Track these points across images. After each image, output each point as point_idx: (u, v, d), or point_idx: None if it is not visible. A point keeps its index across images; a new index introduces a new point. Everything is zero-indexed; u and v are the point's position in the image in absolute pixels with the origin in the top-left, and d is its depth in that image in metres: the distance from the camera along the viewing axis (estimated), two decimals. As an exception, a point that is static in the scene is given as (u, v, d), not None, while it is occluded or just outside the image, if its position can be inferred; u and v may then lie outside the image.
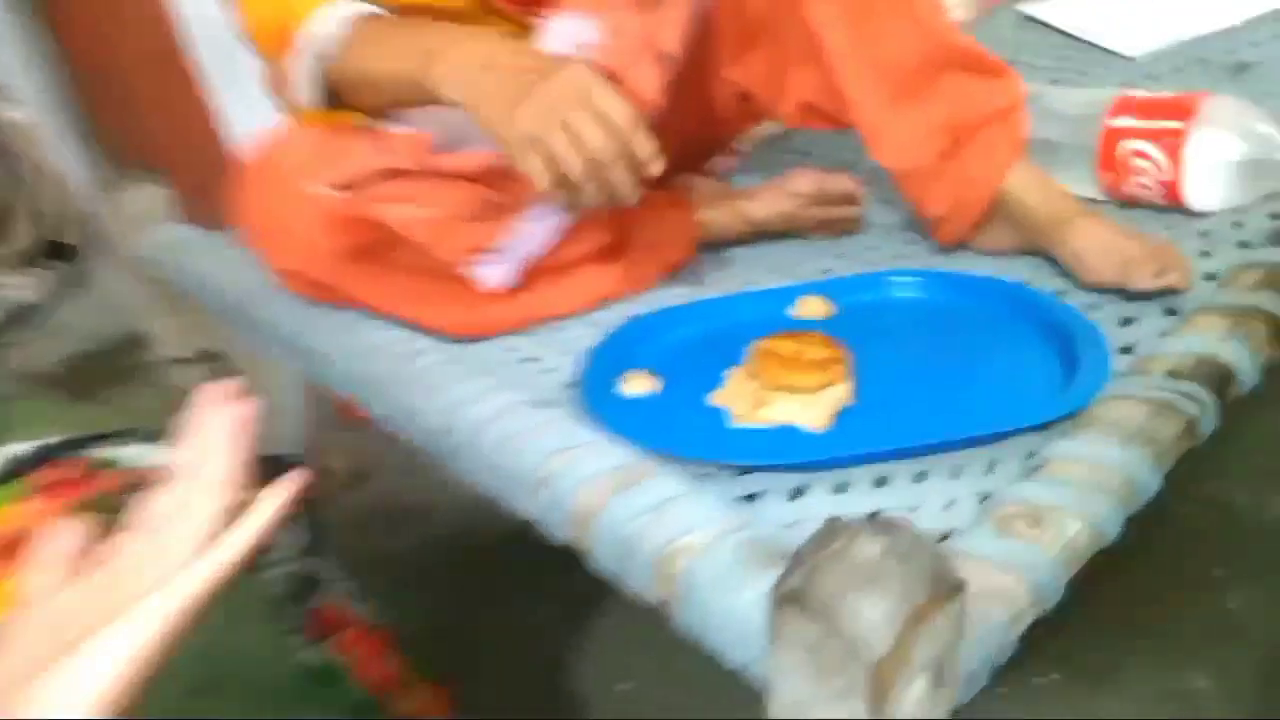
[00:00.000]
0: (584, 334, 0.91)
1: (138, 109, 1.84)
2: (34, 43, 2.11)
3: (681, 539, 0.64)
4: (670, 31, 0.92)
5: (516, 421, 0.77)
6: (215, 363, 1.17)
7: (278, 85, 0.91)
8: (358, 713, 0.80)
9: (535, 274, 0.93)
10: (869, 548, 0.53)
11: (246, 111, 1.34)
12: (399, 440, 0.86)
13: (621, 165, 0.78)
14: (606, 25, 0.89)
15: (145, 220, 1.17)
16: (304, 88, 0.87)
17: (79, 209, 2.18)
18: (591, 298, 0.97)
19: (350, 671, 0.82)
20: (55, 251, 1.76)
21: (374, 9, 0.87)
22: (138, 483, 0.60)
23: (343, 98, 0.88)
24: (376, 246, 0.88)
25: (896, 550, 0.53)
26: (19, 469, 0.70)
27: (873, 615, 0.51)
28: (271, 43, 0.89)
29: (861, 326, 0.90)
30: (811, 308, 0.94)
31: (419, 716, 0.87)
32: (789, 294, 0.95)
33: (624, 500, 0.67)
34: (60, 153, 2.20)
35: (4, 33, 2.12)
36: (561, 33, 0.89)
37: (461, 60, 0.80)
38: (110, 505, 0.59)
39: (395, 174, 0.88)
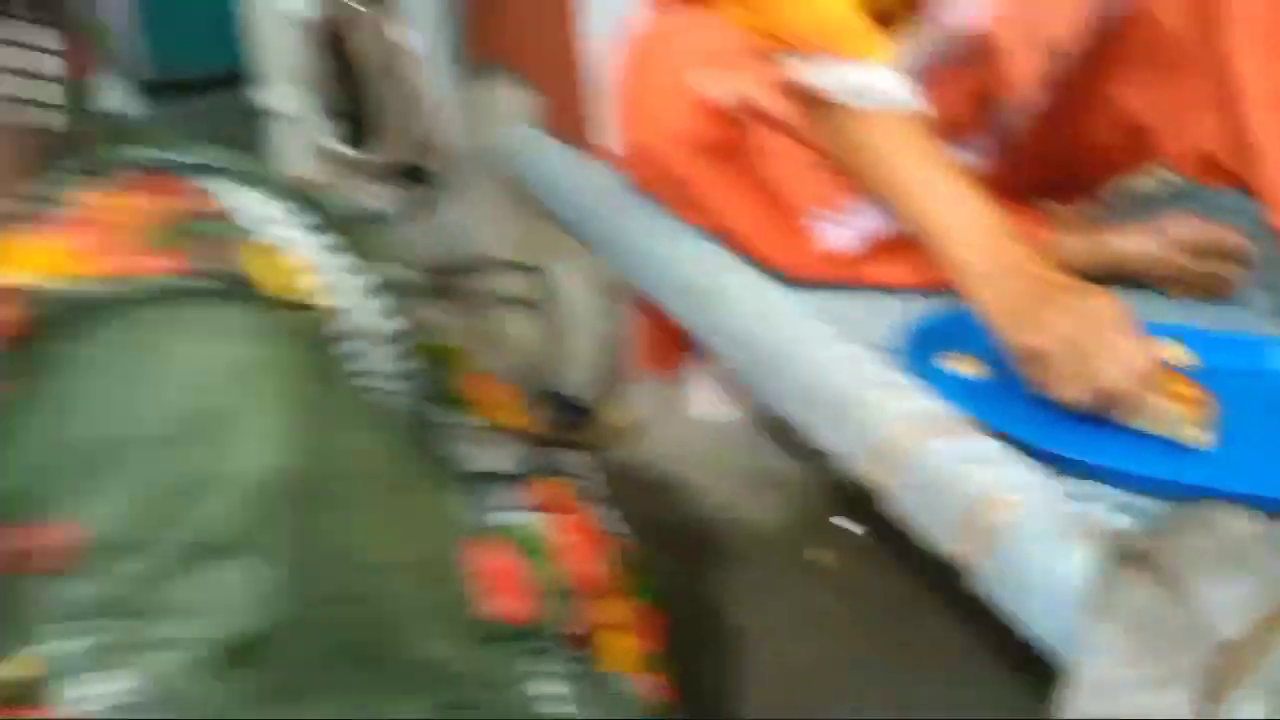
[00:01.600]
0: (909, 309, 0.87)
1: (505, 20, 1.96)
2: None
3: (1000, 494, 0.59)
4: (1065, 22, 0.87)
5: (835, 353, 0.74)
6: (532, 273, 1.21)
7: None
8: (551, 597, 0.77)
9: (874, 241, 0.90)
10: (1240, 527, 0.47)
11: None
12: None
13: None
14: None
15: (503, 120, 1.22)
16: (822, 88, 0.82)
17: (443, 136, 2.34)
18: (923, 279, 0.92)
19: (555, 552, 0.79)
20: (413, 175, 1.89)
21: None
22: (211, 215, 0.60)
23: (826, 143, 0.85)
24: (735, 150, 0.88)
25: (1273, 539, 0.46)
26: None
27: (1227, 596, 0.45)
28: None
29: (1228, 390, 0.76)
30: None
31: (615, 624, 0.83)
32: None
33: (941, 444, 0.63)
34: (433, 76, 2.38)
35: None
36: (960, 4, 0.86)
37: (991, 256, 0.75)
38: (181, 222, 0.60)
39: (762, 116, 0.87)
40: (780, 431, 1.53)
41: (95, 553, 0.56)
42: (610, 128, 1.42)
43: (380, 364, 0.67)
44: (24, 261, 0.58)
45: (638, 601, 0.84)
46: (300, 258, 0.63)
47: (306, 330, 0.62)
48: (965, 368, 0.78)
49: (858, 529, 1.33)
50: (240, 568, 0.57)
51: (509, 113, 1.23)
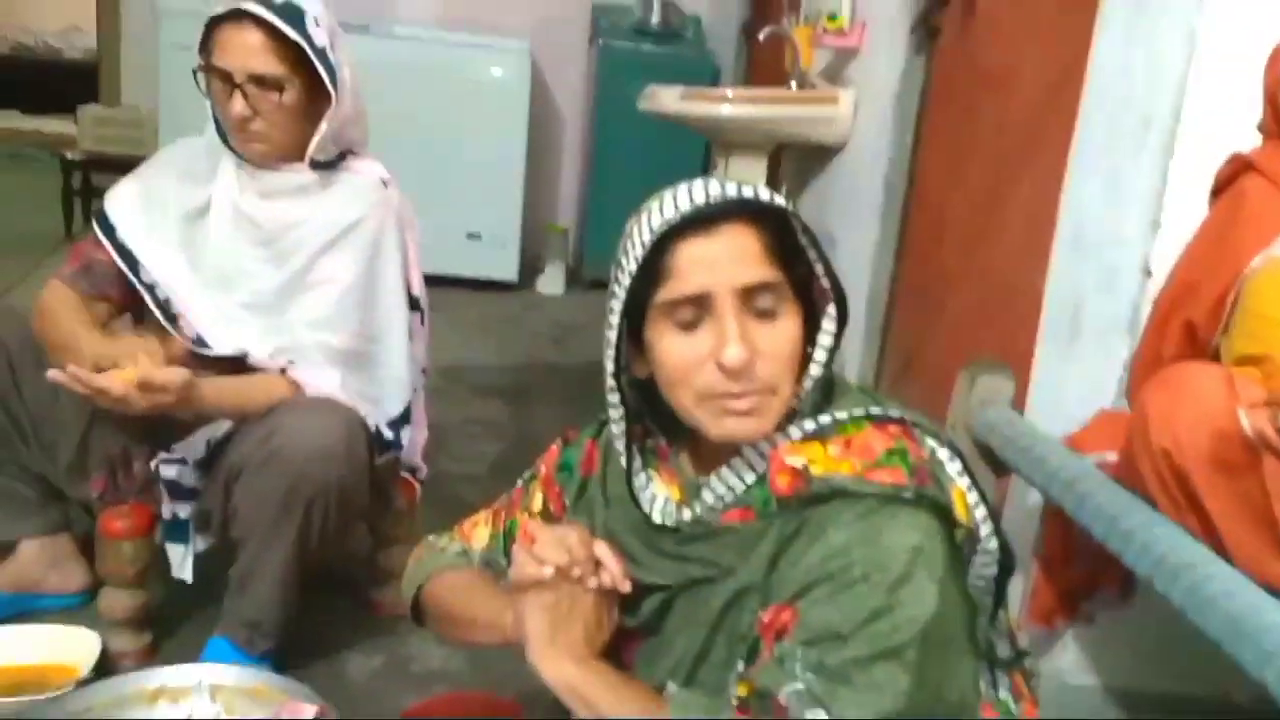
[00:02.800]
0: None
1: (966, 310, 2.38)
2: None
3: None
4: None
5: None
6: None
7: None
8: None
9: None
10: None
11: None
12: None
13: None
14: None
15: (989, 400, 1.59)
16: None
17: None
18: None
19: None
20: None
21: None
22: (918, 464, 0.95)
23: None
24: (1242, 470, 1.17)
25: None
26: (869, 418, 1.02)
27: None
28: None
29: None
30: None
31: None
32: None
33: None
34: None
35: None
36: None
37: None
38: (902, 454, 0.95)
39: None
40: (1136, 702, 1.75)
41: (807, 633, 0.92)
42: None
43: (978, 568, 1.02)
44: (806, 453, 0.98)
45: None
46: (967, 492, 1.00)
47: (957, 537, 0.97)
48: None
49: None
50: (893, 670, 0.91)
51: (997, 396, 1.60)
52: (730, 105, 3.04)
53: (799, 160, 3.37)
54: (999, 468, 1.62)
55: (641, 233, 0.96)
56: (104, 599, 1.68)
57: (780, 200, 0.98)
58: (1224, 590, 1.07)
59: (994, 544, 1.02)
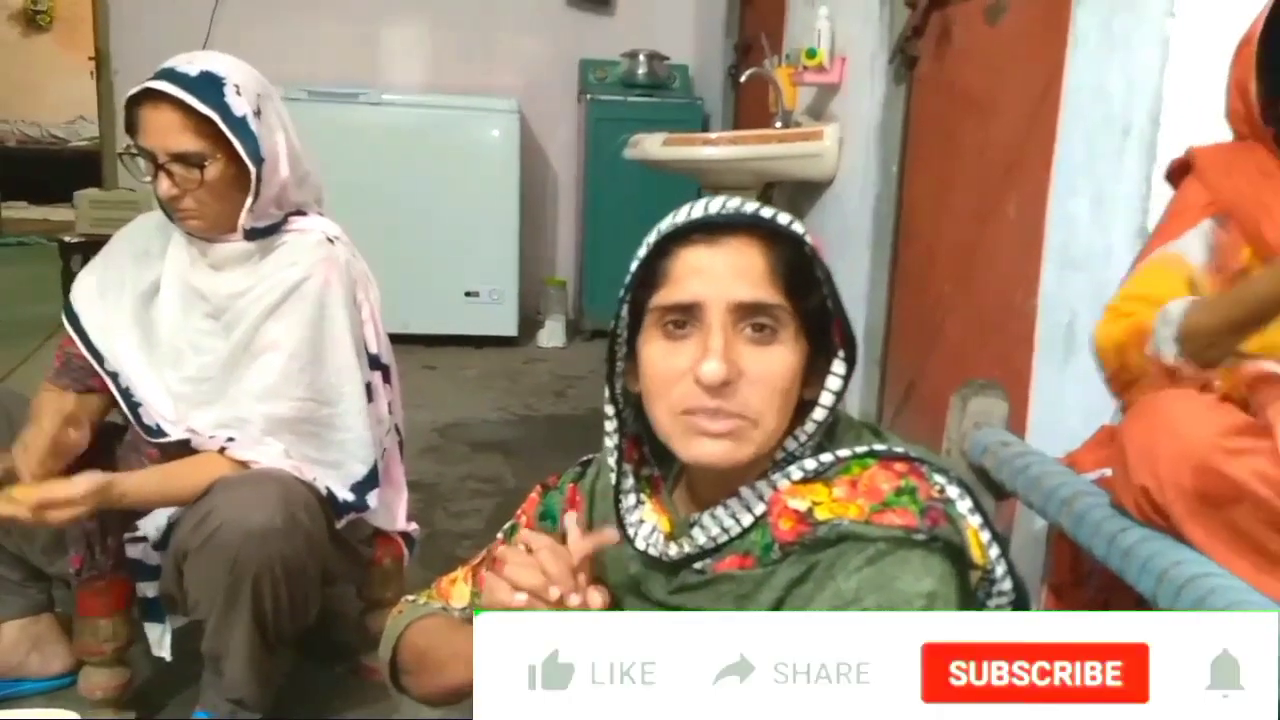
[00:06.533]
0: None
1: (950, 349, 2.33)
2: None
3: None
4: None
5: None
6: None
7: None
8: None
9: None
10: None
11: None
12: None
13: None
14: None
15: (983, 422, 1.54)
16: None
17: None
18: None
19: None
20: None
21: None
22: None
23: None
24: (1228, 501, 1.11)
25: None
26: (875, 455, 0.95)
27: None
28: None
29: None
30: None
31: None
32: None
33: None
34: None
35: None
36: None
37: None
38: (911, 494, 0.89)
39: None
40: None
41: None
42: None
43: (992, 610, 0.95)
44: (809, 496, 0.92)
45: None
46: (980, 531, 0.93)
47: (970, 579, 0.91)
48: None
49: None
50: None
51: (990, 417, 1.55)
52: (713, 147, 3.03)
53: (789, 198, 3.35)
54: (999, 492, 1.56)
55: (649, 236, 0.95)
56: (84, 679, 1.64)
57: (798, 227, 0.93)
58: (1233, 603, 1.01)
59: (1009, 584, 0.95)
